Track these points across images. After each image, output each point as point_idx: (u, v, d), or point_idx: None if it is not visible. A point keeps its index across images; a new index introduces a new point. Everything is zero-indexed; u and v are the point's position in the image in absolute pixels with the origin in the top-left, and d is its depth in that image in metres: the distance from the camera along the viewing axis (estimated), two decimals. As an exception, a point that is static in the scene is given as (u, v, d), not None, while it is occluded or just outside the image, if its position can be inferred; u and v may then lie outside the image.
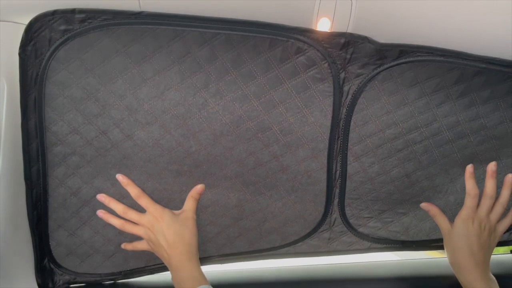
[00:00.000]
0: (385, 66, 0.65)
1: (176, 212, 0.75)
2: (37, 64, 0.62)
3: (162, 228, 0.71)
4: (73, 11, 0.59)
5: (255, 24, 0.60)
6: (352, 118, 0.70)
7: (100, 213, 0.73)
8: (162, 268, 0.83)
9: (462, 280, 0.74)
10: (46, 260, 0.78)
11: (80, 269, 0.80)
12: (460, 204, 0.79)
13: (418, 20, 0.50)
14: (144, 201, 0.72)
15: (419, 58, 0.64)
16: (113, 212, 0.73)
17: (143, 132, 0.68)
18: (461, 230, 0.74)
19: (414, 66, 0.66)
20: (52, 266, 0.78)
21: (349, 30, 0.51)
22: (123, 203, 0.74)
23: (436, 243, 0.87)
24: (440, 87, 0.67)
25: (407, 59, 0.65)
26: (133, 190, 0.72)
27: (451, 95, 0.68)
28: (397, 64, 0.65)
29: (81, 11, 0.59)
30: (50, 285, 0.80)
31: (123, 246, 0.77)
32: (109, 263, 0.80)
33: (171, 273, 0.71)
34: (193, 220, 0.74)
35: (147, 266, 0.82)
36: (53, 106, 0.65)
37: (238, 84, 0.65)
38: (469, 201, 0.75)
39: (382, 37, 0.52)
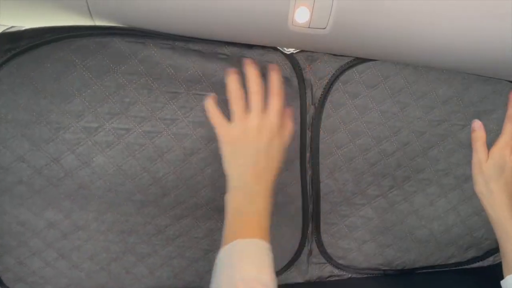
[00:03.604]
0: (345, 65, 0.64)
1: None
2: None
3: (278, 144, 0.58)
4: (22, 32, 0.54)
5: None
6: (321, 125, 0.67)
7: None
8: None
9: (491, 213, 0.66)
10: None
11: None
12: (444, 231, 0.76)
13: (406, 13, 0.48)
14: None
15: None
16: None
17: (102, 157, 0.61)
18: (497, 160, 0.66)
19: (374, 64, 0.64)
20: None
21: (330, 22, 0.49)
22: (78, 235, 0.66)
23: (421, 270, 0.82)
24: (400, 86, 0.66)
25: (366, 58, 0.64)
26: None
27: (412, 95, 0.67)
28: (357, 64, 0.64)
29: (30, 31, 0.54)
30: None
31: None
32: None
33: (240, 192, 0.56)
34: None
35: None
36: None
37: (208, 93, 0.61)
38: (509, 127, 0.67)
39: (366, 27, 0.50)
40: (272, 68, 0.58)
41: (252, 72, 0.57)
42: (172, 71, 0.59)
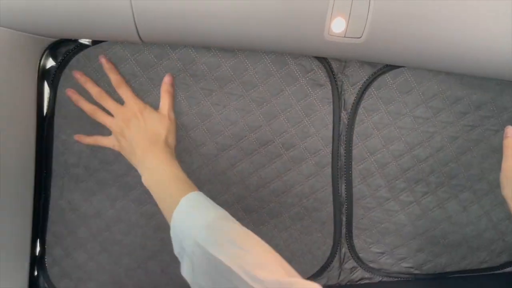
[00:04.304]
0: (379, 71, 0.65)
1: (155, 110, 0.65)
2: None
3: (139, 124, 0.61)
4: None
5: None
6: (354, 131, 0.68)
7: (70, 92, 0.63)
8: None
9: None
10: (41, 278, 0.73)
11: None
12: (476, 236, 0.76)
13: (438, 21, 0.49)
14: (124, 91, 0.62)
15: None
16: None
17: None
18: None
19: (407, 70, 0.65)
20: (46, 286, 0.73)
21: (365, 31, 0.50)
22: (120, 227, 0.70)
23: (452, 275, 0.82)
24: (434, 92, 0.66)
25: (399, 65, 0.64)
26: (114, 77, 0.62)
27: (445, 101, 0.67)
28: (391, 69, 0.65)
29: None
30: None
31: (76, 137, 0.65)
32: None
33: (145, 176, 0.59)
34: (172, 119, 0.64)
35: None
36: (63, 114, 0.64)
37: (240, 92, 0.65)
38: None
39: (400, 35, 0.51)
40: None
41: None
42: (206, 68, 0.63)
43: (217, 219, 0.50)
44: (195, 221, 0.50)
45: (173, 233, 0.52)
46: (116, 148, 0.64)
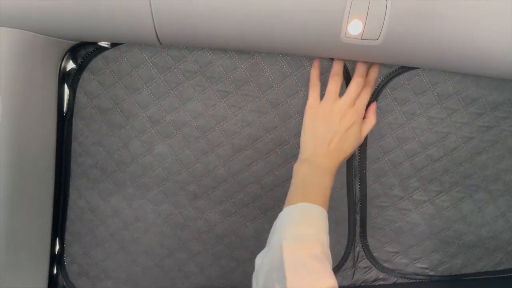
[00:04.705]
0: (394, 72, 0.65)
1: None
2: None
3: (356, 132, 0.61)
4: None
5: None
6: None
7: None
8: None
9: None
10: (60, 276, 0.75)
11: None
12: (492, 237, 0.75)
13: (456, 22, 0.49)
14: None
15: None
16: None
17: (163, 146, 0.68)
18: None
19: (422, 71, 0.65)
20: (65, 284, 0.75)
21: (383, 33, 0.50)
22: (137, 226, 0.72)
23: (468, 277, 0.81)
24: (449, 93, 0.66)
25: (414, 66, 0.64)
26: None
27: (461, 102, 0.67)
28: (406, 70, 0.65)
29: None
30: None
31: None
32: None
33: (309, 164, 0.59)
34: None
35: None
36: (81, 115, 0.66)
37: (256, 94, 0.65)
38: None
39: (417, 40, 0.51)
40: (375, 64, 0.62)
41: (361, 65, 0.61)
42: (223, 70, 0.63)
43: (313, 240, 0.50)
44: (298, 226, 0.52)
45: (278, 219, 0.55)
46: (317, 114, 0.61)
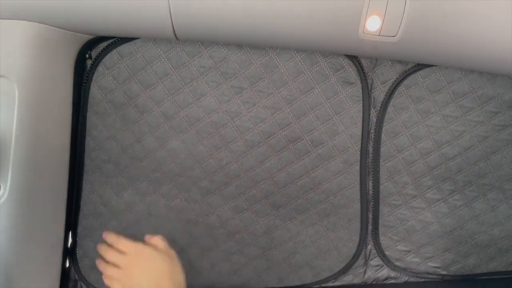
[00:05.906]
0: (409, 70, 0.65)
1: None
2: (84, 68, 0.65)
3: (142, 266, 0.60)
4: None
5: None
6: (383, 129, 0.68)
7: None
8: None
9: None
10: (72, 270, 0.75)
11: None
12: (505, 237, 0.75)
13: (474, 20, 0.48)
14: (124, 244, 0.62)
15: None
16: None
17: (176, 141, 0.68)
18: None
19: (438, 69, 0.65)
20: (77, 277, 0.75)
21: (401, 30, 0.50)
22: (150, 221, 0.72)
23: (481, 277, 0.81)
24: (465, 91, 0.66)
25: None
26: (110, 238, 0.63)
27: (476, 100, 0.66)
28: (421, 68, 0.65)
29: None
30: None
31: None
32: None
33: None
34: (172, 255, 0.62)
35: None
36: (95, 110, 0.66)
37: (270, 90, 0.65)
38: None
39: (435, 37, 0.51)
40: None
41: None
42: (237, 66, 0.63)
43: None
44: None
45: None
46: None
